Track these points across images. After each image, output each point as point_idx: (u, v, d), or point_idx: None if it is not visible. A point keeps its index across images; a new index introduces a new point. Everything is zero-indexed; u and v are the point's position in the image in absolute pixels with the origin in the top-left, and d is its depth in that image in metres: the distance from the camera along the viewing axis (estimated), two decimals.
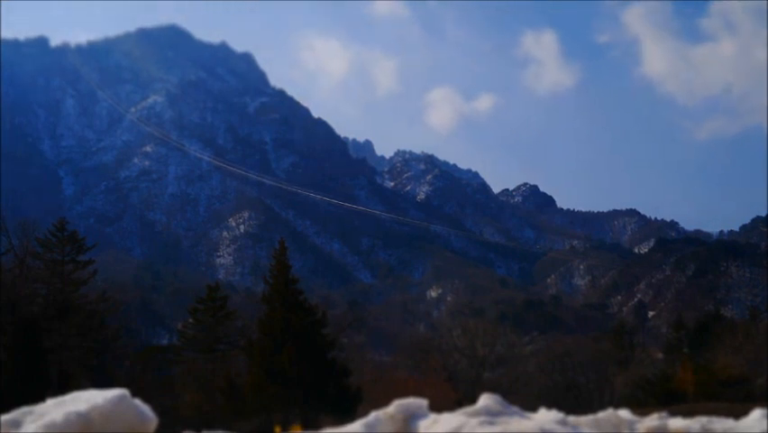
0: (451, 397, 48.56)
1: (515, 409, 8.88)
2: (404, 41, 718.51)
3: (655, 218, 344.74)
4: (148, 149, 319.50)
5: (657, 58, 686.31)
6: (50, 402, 7.76)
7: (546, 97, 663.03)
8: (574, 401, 54.25)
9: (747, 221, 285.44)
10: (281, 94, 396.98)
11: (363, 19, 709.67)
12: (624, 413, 9.43)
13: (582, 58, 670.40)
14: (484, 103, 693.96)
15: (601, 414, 9.37)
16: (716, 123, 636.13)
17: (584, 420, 9.12)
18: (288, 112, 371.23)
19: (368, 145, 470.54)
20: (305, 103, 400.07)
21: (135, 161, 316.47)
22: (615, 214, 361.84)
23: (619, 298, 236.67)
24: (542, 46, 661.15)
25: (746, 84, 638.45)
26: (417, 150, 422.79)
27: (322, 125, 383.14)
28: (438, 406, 9.77)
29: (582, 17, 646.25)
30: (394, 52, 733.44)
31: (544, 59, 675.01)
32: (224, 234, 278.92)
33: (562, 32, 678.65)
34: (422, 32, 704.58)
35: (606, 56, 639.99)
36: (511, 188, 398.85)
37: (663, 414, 9.53)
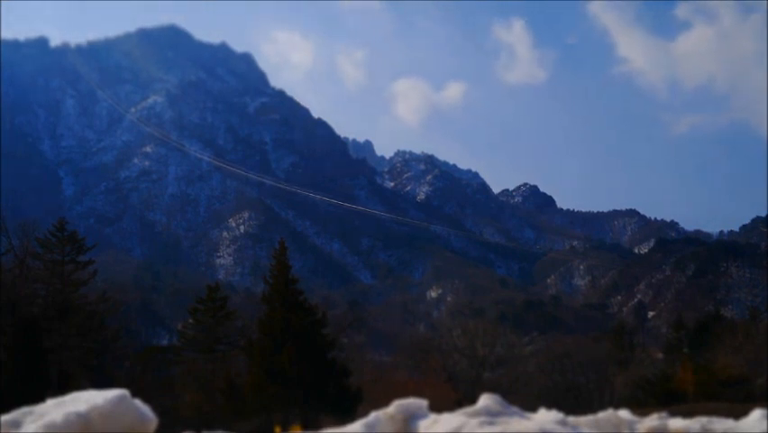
0: (451, 397, 48.56)
1: (515, 409, 8.89)
2: (372, 33, 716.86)
3: (655, 218, 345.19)
4: (148, 149, 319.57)
5: (636, 51, 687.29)
6: (50, 403, 7.76)
7: (521, 89, 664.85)
8: (574, 402, 54.23)
9: (747, 221, 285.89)
10: (281, 94, 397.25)
11: (330, 11, 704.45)
12: (624, 413, 9.44)
13: (556, 50, 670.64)
14: (455, 93, 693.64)
15: (601, 414, 9.38)
16: (702, 117, 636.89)
17: (584, 421, 9.13)
18: (288, 112, 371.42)
19: (368, 145, 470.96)
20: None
21: (135, 161, 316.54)
22: (615, 214, 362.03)
23: (619, 298, 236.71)
24: (515, 37, 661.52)
25: (731, 76, 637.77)
26: (417, 150, 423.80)
27: (322, 126, 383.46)
28: (438, 406, 9.77)
29: (555, 8, 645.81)
30: (362, 44, 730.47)
31: (518, 52, 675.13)
32: (224, 234, 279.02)
33: (534, 24, 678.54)
34: (391, 23, 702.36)
35: (581, 49, 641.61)
36: (511, 188, 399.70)
37: (663, 414, 9.54)
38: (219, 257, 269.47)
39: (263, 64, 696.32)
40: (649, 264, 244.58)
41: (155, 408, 8.14)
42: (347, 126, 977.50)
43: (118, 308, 56.41)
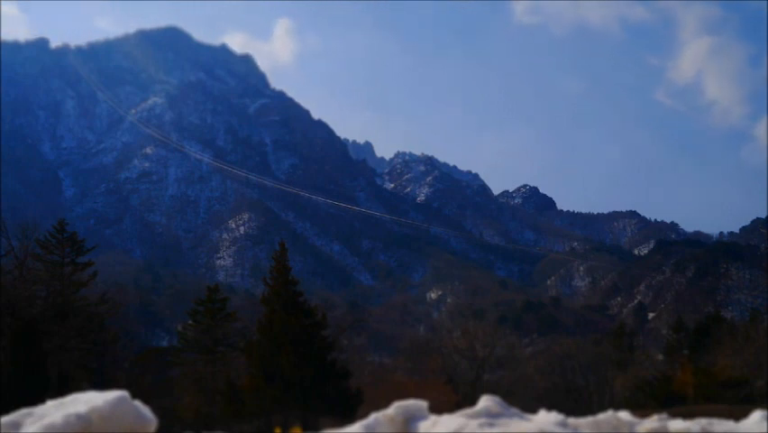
0: (451, 399, 48.54)
1: (514, 410, 8.89)
2: None
3: (655, 220, 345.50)
4: (148, 150, 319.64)
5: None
6: (50, 404, 7.77)
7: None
8: (574, 403, 54.23)
9: (747, 222, 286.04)
10: (281, 95, 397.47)
11: None
12: (623, 415, 9.43)
13: None
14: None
15: (601, 416, 9.37)
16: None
17: (584, 422, 9.12)
18: (288, 113, 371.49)
19: (368, 147, 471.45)
20: None
21: (135, 162, 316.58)
22: (615, 215, 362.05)
23: (619, 299, 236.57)
24: None
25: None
26: (417, 151, 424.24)
27: (322, 127, 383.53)
28: (438, 408, 9.77)
29: None
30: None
31: None
32: (224, 235, 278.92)
33: None
34: None
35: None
36: (511, 189, 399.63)
37: (663, 416, 9.54)
38: (219, 258, 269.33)
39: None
40: (649, 266, 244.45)
41: (155, 409, 8.15)
42: (347, 128, 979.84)
43: (118, 310, 56.30)
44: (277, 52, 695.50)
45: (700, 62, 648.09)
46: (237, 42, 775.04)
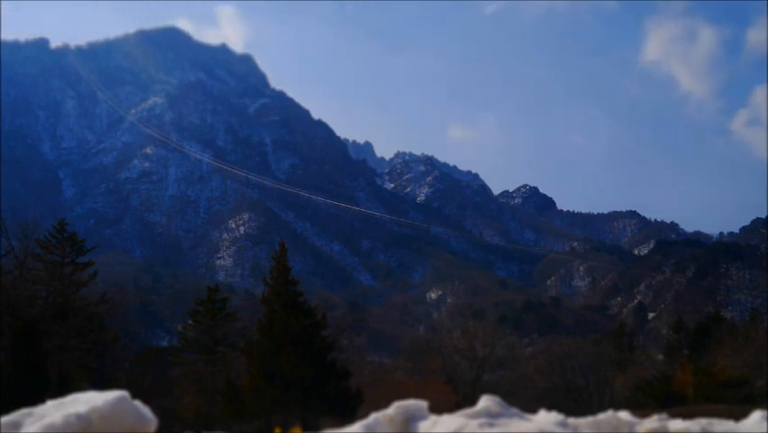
0: (451, 399, 48.53)
1: (514, 410, 8.88)
2: None
3: (655, 220, 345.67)
4: (148, 150, 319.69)
5: None
6: (50, 404, 7.76)
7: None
8: (574, 403, 54.22)
9: (747, 223, 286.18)
10: (281, 95, 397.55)
11: None
12: (623, 415, 9.43)
13: None
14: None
15: (601, 416, 9.37)
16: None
17: (584, 422, 9.12)
18: (288, 113, 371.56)
19: (368, 147, 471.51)
20: None
21: (135, 162, 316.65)
22: (615, 215, 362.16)
23: (619, 299, 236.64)
24: None
25: None
26: (417, 151, 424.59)
27: (322, 127, 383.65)
28: (438, 408, 9.77)
29: None
30: None
31: None
32: (224, 235, 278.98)
33: None
34: None
35: None
36: (511, 189, 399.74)
37: (663, 416, 9.53)
38: (219, 258, 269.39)
39: None
40: (649, 266, 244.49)
41: (155, 409, 8.14)
42: (347, 128, 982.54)
43: (118, 310, 56.25)
44: (228, 38, 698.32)
45: (676, 52, 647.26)
46: (190, 30, 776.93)
